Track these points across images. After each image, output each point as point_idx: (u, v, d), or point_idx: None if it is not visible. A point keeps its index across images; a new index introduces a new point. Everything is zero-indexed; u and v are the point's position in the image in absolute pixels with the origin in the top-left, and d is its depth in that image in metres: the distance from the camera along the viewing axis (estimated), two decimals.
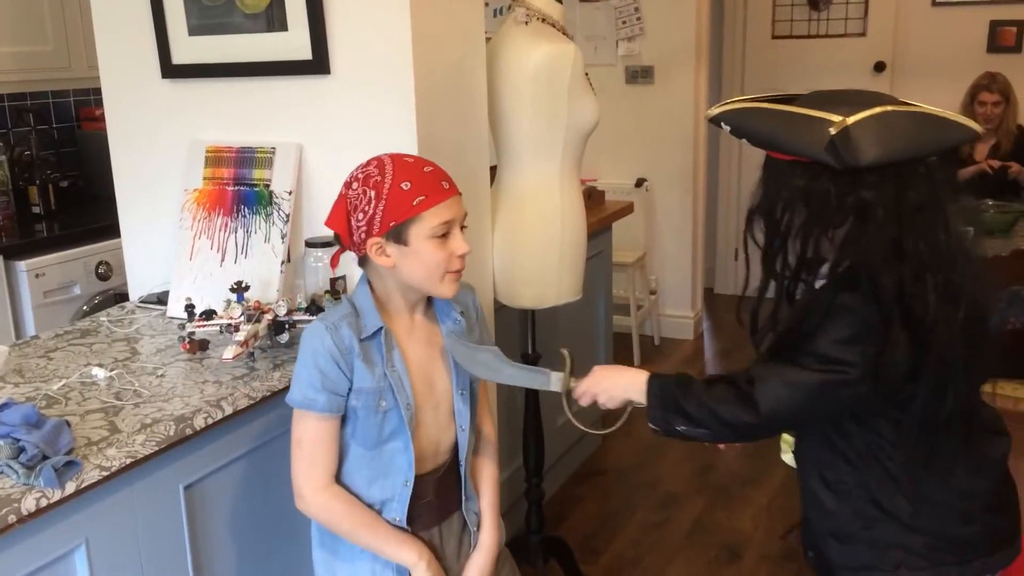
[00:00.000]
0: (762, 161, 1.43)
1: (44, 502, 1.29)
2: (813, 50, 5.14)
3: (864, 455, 1.40)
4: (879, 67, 5.04)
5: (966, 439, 1.37)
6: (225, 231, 2.06)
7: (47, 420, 1.39)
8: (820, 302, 1.34)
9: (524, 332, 2.49)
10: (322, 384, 1.46)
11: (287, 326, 1.78)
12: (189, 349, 1.78)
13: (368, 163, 1.49)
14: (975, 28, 4.81)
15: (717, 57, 5.28)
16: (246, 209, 2.05)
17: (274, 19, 1.98)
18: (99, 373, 1.69)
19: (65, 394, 1.62)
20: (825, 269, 1.38)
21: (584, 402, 1.57)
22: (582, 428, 1.68)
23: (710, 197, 5.23)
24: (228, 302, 1.81)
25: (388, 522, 1.54)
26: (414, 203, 1.44)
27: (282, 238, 2.01)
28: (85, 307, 3.06)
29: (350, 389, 1.48)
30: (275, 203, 2.03)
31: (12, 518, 1.25)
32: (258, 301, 1.82)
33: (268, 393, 1.66)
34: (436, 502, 1.59)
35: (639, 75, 4.64)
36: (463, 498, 1.64)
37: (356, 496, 1.53)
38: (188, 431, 1.52)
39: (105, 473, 1.37)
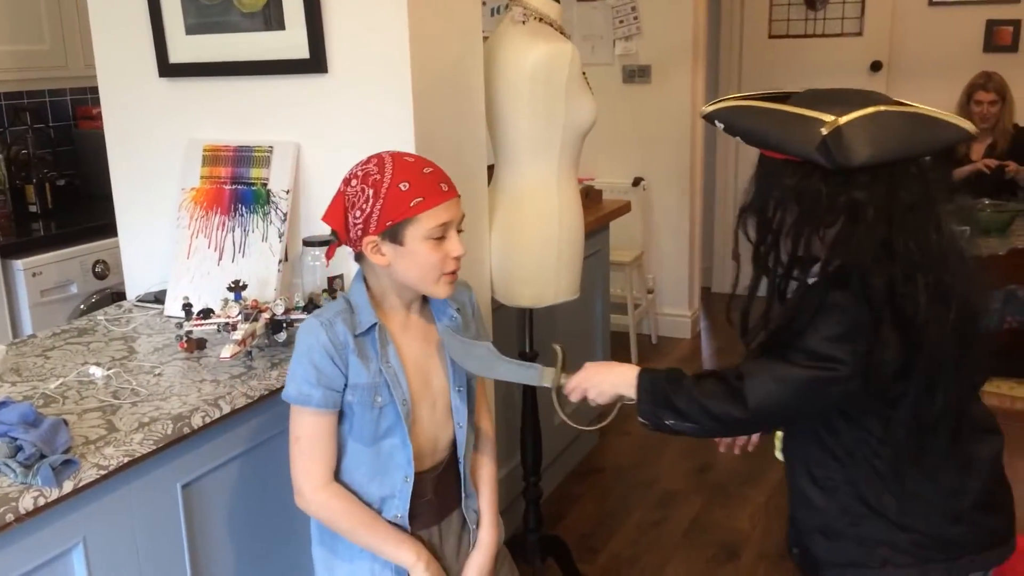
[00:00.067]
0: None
1: (42, 501, 1.29)
2: (810, 50, 5.15)
3: (852, 452, 1.40)
4: (875, 66, 5.04)
5: (955, 438, 1.37)
6: (223, 230, 2.06)
7: (44, 419, 1.39)
8: (811, 300, 1.35)
9: (522, 331, 2.49)
10: (317, 380, 1.46)
11: (285, 325, 1.78)
12: (187, 348, 1.78)
13: (369, 160, 1.49)
14: (971, 27, 4.82)
15: (714, 56, 5.28)
16: (243, 208, 2.05)
17: (271, 18, 1.98)
18: (96, 372, 1.69)
19: (62, 393, 1.62)
20: (817, 268, 1.38)
21: (574, 398, 1.57)
22: (574, 426, 1.66)
23: (707, 196, 5.24)
24: (226, 301, 1.81)
25: (388, 521, 1.54)
26: (411, 204, 1.44)
27: (279, 237, 2.01)
28: (82, 306, 3.06)
29: (345, 385, 1.48)
30: (272, 202, 2.03)
31: (10, 517, 1.25)
32: (256, 300, 1.82)
33: (266, 392, 1.67)
34: (435, 500, 1.59)
35: (636, 74, 4.64)
36: (462, 496, 1.64)
37: (356, 493, 1.53)
38: (186, 430, 1.52)
39: (103, 472, 1.37)
